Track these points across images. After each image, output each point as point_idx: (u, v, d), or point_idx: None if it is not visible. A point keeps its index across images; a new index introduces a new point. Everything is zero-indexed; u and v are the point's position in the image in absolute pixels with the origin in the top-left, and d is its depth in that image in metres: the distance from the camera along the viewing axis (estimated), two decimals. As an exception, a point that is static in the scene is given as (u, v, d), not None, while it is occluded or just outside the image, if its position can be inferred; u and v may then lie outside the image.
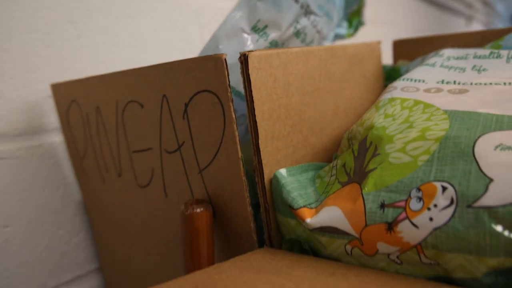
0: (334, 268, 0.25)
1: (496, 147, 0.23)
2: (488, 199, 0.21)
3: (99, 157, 0.40)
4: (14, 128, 0.43)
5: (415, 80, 0.34)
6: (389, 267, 0.24)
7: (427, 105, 0.29)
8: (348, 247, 0.25)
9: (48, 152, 0.46)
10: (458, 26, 1.67)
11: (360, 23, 0.57)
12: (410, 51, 0.49)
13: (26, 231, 0.44)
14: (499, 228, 0.20)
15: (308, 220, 0.26)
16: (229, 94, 0.28)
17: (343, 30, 0.54)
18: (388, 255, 0.24)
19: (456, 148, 0.24)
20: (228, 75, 0.27)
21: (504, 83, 0.31)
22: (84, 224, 0.49)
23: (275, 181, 0.29)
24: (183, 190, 0.33)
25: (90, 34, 0.48)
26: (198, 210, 0.30)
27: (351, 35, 0.56)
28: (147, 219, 0.38)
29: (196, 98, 0.30)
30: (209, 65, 0.28)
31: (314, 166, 0.32)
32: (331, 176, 0.29)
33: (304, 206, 0.27)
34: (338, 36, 0.54)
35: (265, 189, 0.30)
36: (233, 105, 0.28)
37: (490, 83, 0.32)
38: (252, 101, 0.28)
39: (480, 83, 0.32)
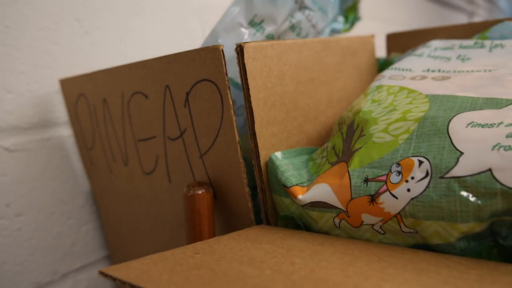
0: (324, 239, 0.27)
1: (468, 124, 0.25)
2: (458, 170, 0.23)
3: (106, 147, 0.43)
4: (25, 121, 0.46)
5: (402, 69, 0.37)
6: (374, 237, 0.27)
7: (411, 91, 0.32)
8: (336, 220, 0.28)
9: (57, 145, 0.49)
10: (460, 22, 1.69)
11: (356, 18, 0.59)
12: (403, 43, 0.52)
13: (37, 220, 0.47)
14: (467, 195, 0.23)
15: (300, 196, 0.29)
16: (226, 82, 0.30)
17: (340, 25, 0.57)
18: (372, 225, 0.26)
19: (433, 127, 0.26)
20: (225, 65, 0.30)
21: (485, 70, 0.34)
22: (92, 214, 0.52)
23: (270, 163, 0.32)
24: (186, 175, 0.36)
25: (96, 31, 0.51)
26: (199, 191, 0.33)
27: (347, 30, 0.58)
28: (152, 205, 0.41)
29: (197, 87, 0.32)
30: (207, 55, 0.31)
31: (308, 150, 0.35)
32: (322, 158, 0.32)
33: (297, 185, 0.30)
34: (334, 31, 0.57)
35: (261, 170, 0.32)
36: (230, 92, 0.31)
37: (472, 71, 0.34)
38: (248, 89, 0.31)
39: (463, 71, 0.34)
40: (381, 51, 0.56)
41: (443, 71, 0.35)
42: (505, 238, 0.24)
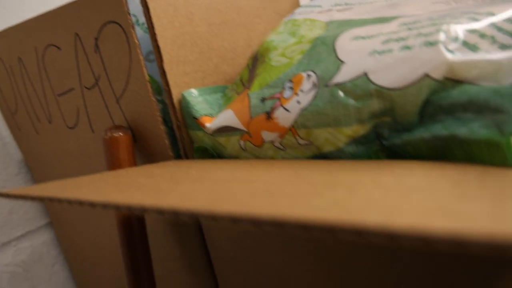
0: (230, 160, 0.29)
1: (352, 38, 0.28)
2: (339, 77, 0.26)
3: (29, 108, 0.44)
4: None
5: (313, 6, 0.39)
6: (276, 154, 0.29)
7: (313, 20, 0.34)
8: (242, 142, 0.30)
9: (-18, 114, 0.49)
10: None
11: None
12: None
13: (-31, 191, 0.47)
14: (347, 99, 0.25)
15: (207, 124, 0.31)
16: (129, 21, 0.32)
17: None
18: (273, 142, 0.29)
19: (323, 45, 0.28)
20: (126, 3, 0.31)
21: (386, 0, 0.36)
22: (28, 182, 0.52)
23: (183, 99, 0.34)
24: (106, 122, 0.37)
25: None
26: (116, 134, 0.34)
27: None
28: (81, 159, 0.42)
29: (104, 30, 0.33)
30: (109, -4, 0.32)
31: (224, 88, 0.37)
32: (232, 90, 0.34)
33: (206, 115, 0.32)
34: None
35: (174, 108, 0.34)
36: (135, 31, 0.32)
37: (374, 1, 0.37)
38: (153, 27, 0.32)
39: (366, 2, 0.37)
40: None
41: (348, 4, 0.37)
42: (387, 138, 0.26)
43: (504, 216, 0.12)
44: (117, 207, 0.16)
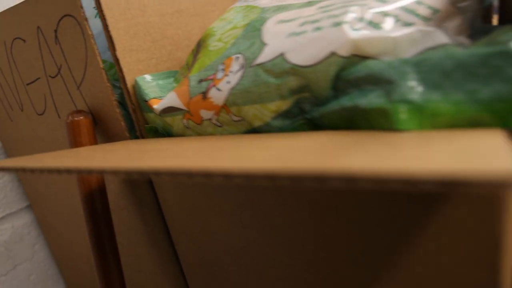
0: (176, 137, 0.33)
1: (277, 22, 0.31)
2: (261, 58, 0.29)
3: (3, 97, 0.47)
4: None
5: (258, -7, 0.42)
6: (215, 131, 0.33)
7: (252, 7, 0.37)
8: (185, 121, 0.33)
9: (-38, 105, 0.52)
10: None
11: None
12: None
13: (-48, 178, 0.51)
14: (268, 77, 0.29)
15: (155, 106, 0.34)
16: (82, 14, 0.35)
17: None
18: (210, 120, 0.32)
19: (253, 30, 0.32)
20: (78, -2, 0.35)
21: (323, -15, 0.39)
22: (8, 169, 0.56)
23: (136, 84, 0.37)
24: (70, 107, 0.41)
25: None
26: (77, 118, 0.38)
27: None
28: (51, 144, 0.46)
29: (61, 23, 0.37)
30: (62, -9, 0.35)
31: (176, 72, 0.40)
32: (181, 75, 0.37)
33: (155, 98, 0.35)
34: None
35: (129, 92, 0.37)
36: (88, 23, 0.35)
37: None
38: (105, 19, 0.36)
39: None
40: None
41: (290, -9, 0.41)
42: (309, 112, 0.30)
43: (323, 160, 0.16)
44: (44, 170, 0.20)
